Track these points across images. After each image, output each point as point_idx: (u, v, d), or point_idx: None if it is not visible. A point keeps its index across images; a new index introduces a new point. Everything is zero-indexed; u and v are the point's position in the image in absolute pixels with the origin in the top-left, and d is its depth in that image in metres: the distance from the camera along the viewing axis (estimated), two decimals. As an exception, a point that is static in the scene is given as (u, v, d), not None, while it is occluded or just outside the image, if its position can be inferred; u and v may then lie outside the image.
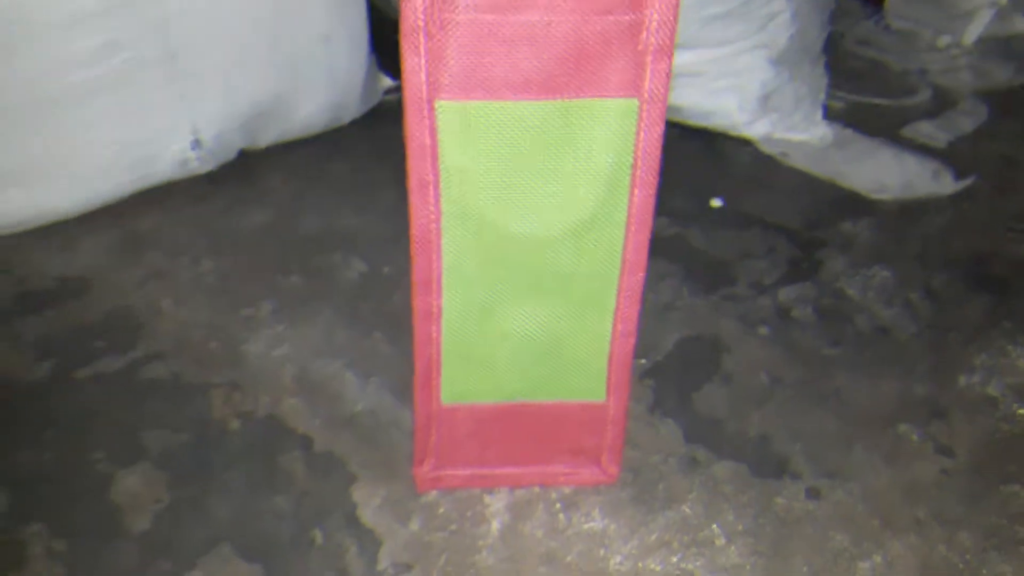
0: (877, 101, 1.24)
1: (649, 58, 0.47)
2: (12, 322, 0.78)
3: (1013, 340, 0.79)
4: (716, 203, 0.99)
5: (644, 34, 0.46)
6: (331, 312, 0.81)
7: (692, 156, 1.07)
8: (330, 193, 0.98)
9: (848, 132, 1.14)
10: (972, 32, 1.13)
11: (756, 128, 1.10)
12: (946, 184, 1.04)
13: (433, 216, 0.51)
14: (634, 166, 0.50)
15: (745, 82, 1.08)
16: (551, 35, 0.45)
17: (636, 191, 0.51)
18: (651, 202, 0.52)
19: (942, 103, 1.23)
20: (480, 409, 0.60)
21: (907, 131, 1.15)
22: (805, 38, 1.10)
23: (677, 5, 0.46)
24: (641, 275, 0.55)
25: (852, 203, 0.99)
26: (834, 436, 0.69)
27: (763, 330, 0.80)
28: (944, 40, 1.21)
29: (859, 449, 0.68)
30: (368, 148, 1.07)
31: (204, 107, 0.92)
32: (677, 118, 1.12)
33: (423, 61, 0.46)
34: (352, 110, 1.09)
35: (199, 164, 0.95)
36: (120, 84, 0.85)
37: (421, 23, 0.45)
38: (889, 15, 1.25)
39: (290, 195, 0.98)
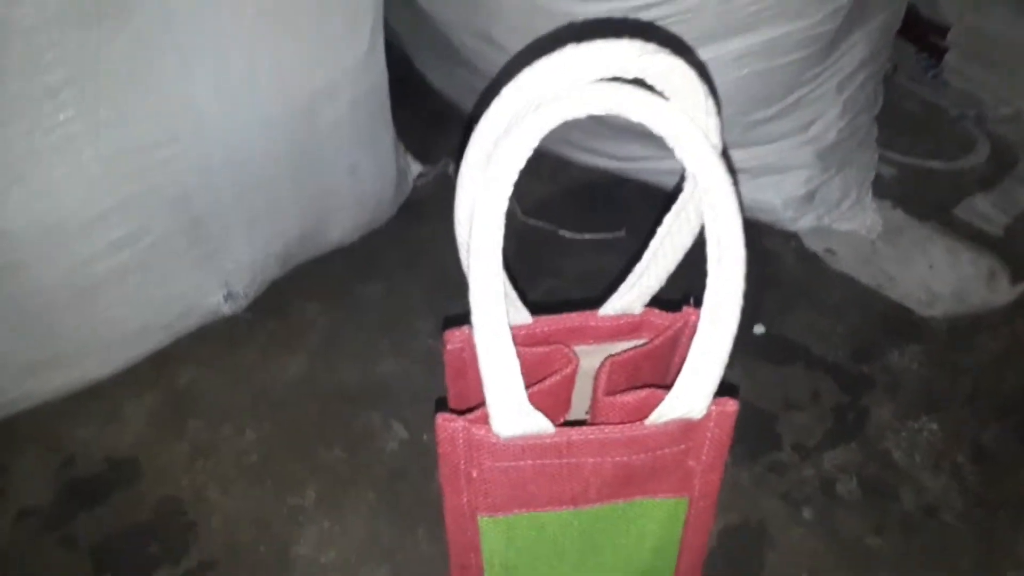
0: (930, 165, 1.17)
1: (699, 470, 0.45)
2: (68, 523, 0.80)
3: (1064, 521, 0.78)
4: (758, 330, 0.96)
5: (695, 456, 0.44)
6: (374, 497, 0.81)
7: (733, 259, 1.03)
8: (366, 327, 0.97)
9: (898, 216, 1.09)
10: (1038, 112, 1.06)
11: (801, 223, 1.05)
12: (1002, 290, 0.99)
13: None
14: (680, 549, 0.49)
15: (790, 179, 1.02)
16: (599, 470, 0.44)
17: (681, 568, 0.50)
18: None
19: (1000, 164, 1.16)
20: None
21: (961, 211, 1.10)
22: (856, 123, 1.04)
23: (731, 429, 0.44)
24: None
25: (900, 323, 0.96)
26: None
27: (807, 513, 0.79)
28: (1004, 111, 1.13)
29: None
30: (401, 257, 1.05)
31: (233, 260, 0.91)
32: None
33: (464, 491, 0.45)
34: (384, 215, 1.06)
35: (232, 310, 0.94)
36: (147, 262, 0.83)
37: (462, 466, 0.43)
38: (946, 71, 1.16)
39: (325, 331, 0.97)
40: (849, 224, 1.06)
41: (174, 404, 0.90)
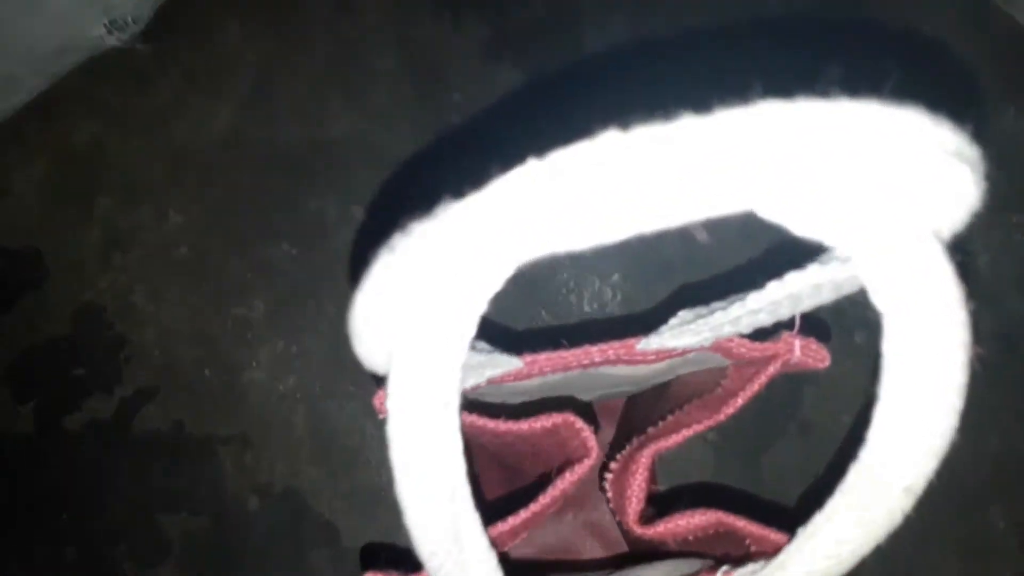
0: None
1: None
2: (-28, 339, 0.67)
3: None
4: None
5: None
6: (335, 311, 0.67)
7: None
8: (307, 67, 0.73)
9: None
10: None
11: None
12: None
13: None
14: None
15: None
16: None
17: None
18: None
19: None
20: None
21: None
22: None
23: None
24: None
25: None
26: (911, 527, 0.62)
27: (859, 338, 0.66)
28: None
29: (934, 547, 0.61)
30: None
31: (105, -20, 0.64)
32: None
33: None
34: None
35: (121, 41, 0.69)
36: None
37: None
38: None
39: (256, 71, 0.73)
40: None
41: (73, 172, 0.71)
